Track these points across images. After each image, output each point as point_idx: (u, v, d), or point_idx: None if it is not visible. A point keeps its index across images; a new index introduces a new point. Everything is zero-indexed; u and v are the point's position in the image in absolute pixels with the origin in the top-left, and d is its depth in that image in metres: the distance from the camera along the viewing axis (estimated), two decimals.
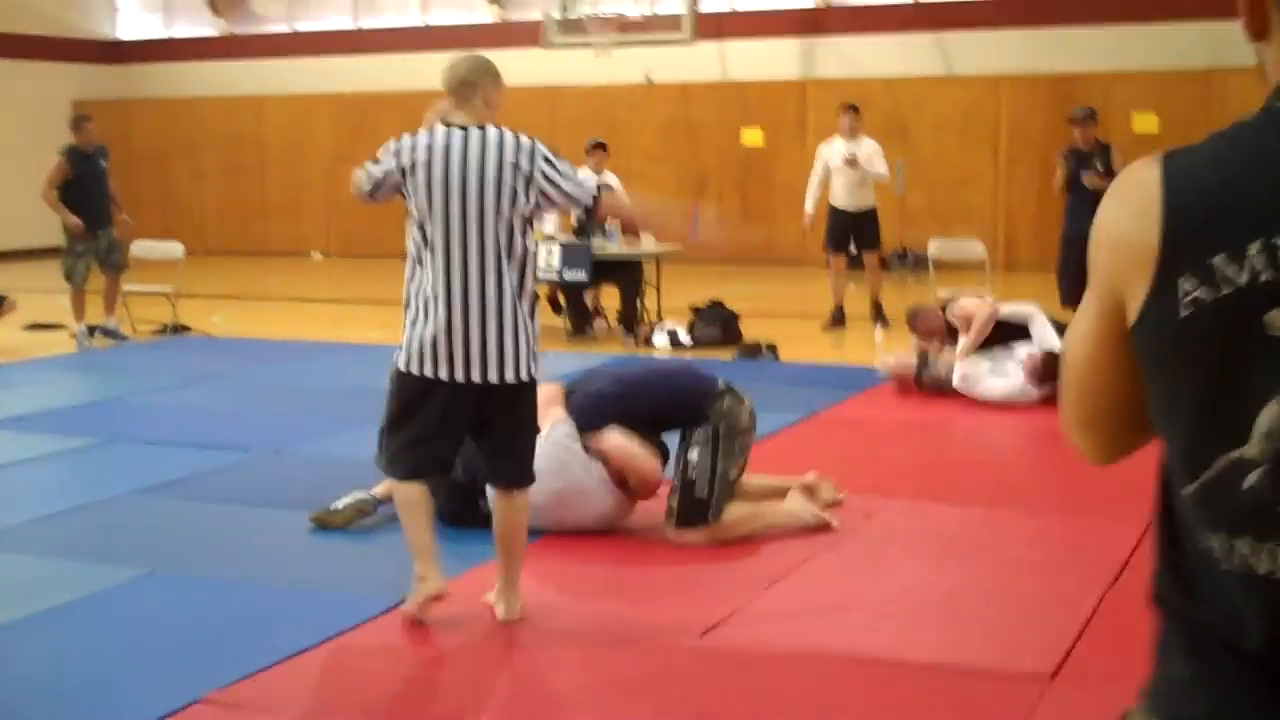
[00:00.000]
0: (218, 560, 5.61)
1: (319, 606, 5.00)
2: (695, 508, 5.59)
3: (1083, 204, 10.76)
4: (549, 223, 12.60)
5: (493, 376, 4.58)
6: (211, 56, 21.97)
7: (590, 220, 11.70)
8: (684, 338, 11.38)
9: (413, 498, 4.73)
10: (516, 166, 4.59)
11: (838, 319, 12.58)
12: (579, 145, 17.23)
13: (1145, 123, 16.51)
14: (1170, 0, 17.13)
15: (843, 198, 12.50)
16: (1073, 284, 10.82)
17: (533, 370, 4.68)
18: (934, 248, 12.23)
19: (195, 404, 9.10)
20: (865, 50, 18.38)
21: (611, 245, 11.88)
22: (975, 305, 8.62)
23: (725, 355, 10.83)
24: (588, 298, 12.41)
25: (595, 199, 4.92)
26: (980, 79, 18.01)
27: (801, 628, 4.71)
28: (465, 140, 4.58)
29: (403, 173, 4.60)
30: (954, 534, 5.80)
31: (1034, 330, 8.49)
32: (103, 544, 5.87)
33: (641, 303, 12.08)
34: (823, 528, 5.75)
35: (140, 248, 13.20)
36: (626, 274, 11.88)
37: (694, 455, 5.62)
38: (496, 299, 4.55)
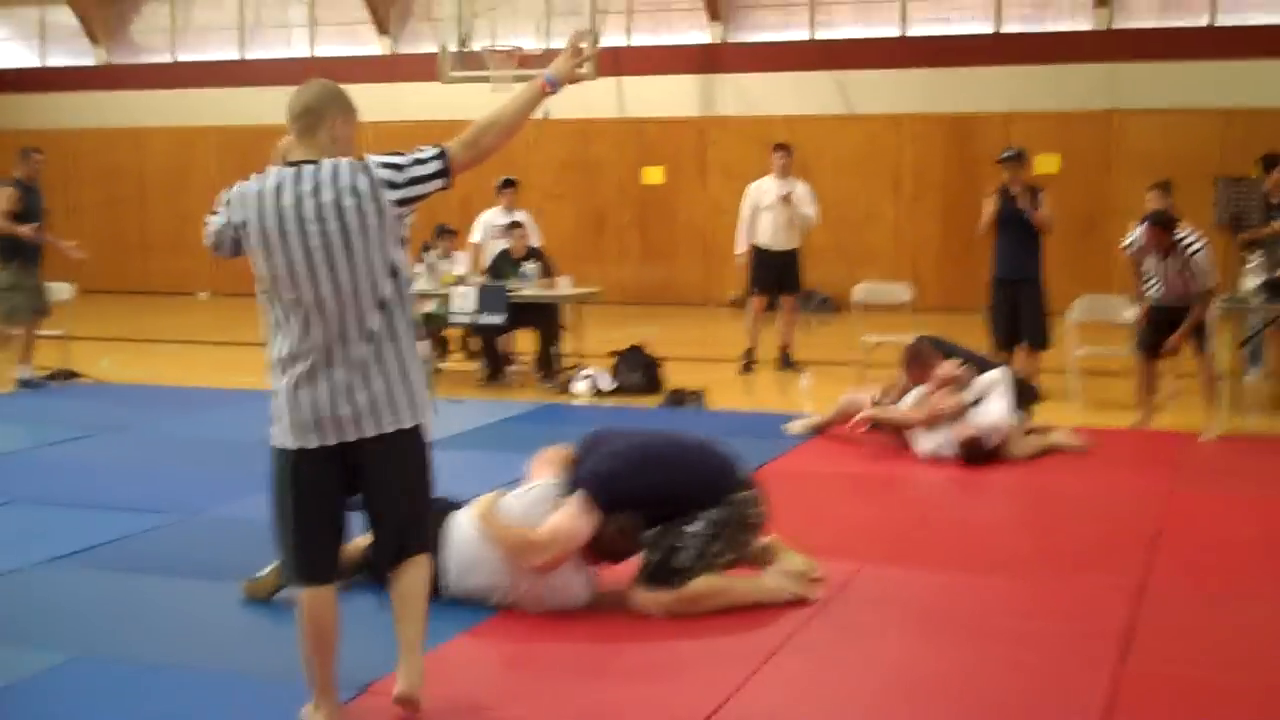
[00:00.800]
0: (147, 642, 5.11)
1: (263, 697, 4.54)
2: (669, 572, 5.23)
3: (1014, 244, 10.59)
4: (459, 264, 12.18)
5: (368, 428, 4.01)
6: (89, 87, 21.20)
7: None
8: (605, 384, 11.01)
9: (318, 614, 4.14)
10: (356, 191, 3.94)
11: (749, 363, 12.31)
12: (474, 181, 16.88)
13: (1047, 163, 16.50)
14: (1070, 42, 17.25)
15: (769, 238, 12.25)
16: (1006, 327, 10.63)
17: (417, 415, 4.10)
18: (860, 291, 12.00)
19: (99, 460, 8.53)
20: (765, 88, 18.24)
21: (527, 288, 11.48)
22: (951, 375, 8.32)
23: (650, 403, 10.49)
24: (500, 342, 11.98)
25: (448, 160, 4.05)
26: (880, 118, 17.96)
27: (806, 718, 4.36)
28: (297, 178, 3.95)
29: (236, 229, 4.02)
30: (936, 604, 5.49)
31: (985, 403, 8.20)
32: (15, 624, 5.33)
33: (558, 347, 11.69)
34: (799, 601, 5.41)
35: None
36: (543, 317, 11.49)
37: (692, 528, 5.26)
38: (364, 337, 3.98)
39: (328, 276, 3.92)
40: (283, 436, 4.07)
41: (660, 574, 5.24)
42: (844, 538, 6.53)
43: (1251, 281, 10.05)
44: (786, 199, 12.06)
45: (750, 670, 4.71)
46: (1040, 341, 10.58)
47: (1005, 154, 10.76)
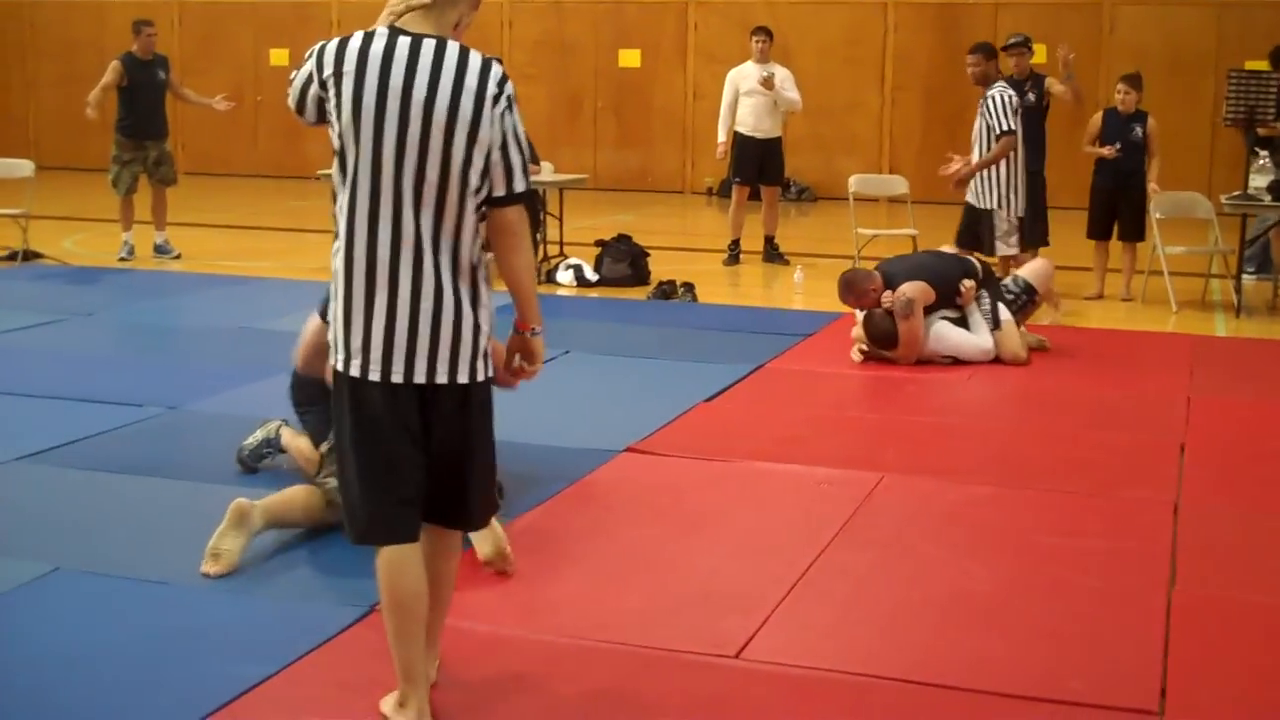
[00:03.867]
0: (131, 551, 4.76)
1: (266, 616, 4.23)
2: None
3: (1024, 140, 10.24)
4: None
5: (440, 375, 3.36)
6: None
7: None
8: (589, 274, 10.64)
9: (405, 583, 3.43)
10: (480, 98, 3.28)
11: (735, 255, 11.96)
12: None
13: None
14: None
15: (751, 124, 11.83)
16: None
17: (485, 369, 3.44)
18: (854, 183, 11.63)
19: (66, 347, 8.12)
20: None
21: None
22: (906, 295, 7.76)
23: (637, 295, 10.14)
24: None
25: (511, 196, 3.37)
26: (866, 3, 17.48)
27: (848, 641, 4.08)
28: (414, 50, 3.29)
29: (324, 85, 3.34)
30: (969, 518, 5.22)
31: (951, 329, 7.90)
32: None
33: (543, 235, 11.29)
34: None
35: None
36: (525, 204, 11.05)
37: None
38: (434, 269, 3.29)
39: (414, 170, 3.27)
40: (341, 360, 3.44)
41: None
42: (859, 444, 6.26)
43: (1260, 181, 9.79)
44: (768, 82, 11.64)
45: (784, 591, 4.43)
46: (1037, 239, 10.26)
47: (1011, 40, 10.40)
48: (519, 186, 3.36)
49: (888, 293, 7.76)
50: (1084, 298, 10.19)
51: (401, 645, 3.45)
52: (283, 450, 5.57)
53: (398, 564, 3.42)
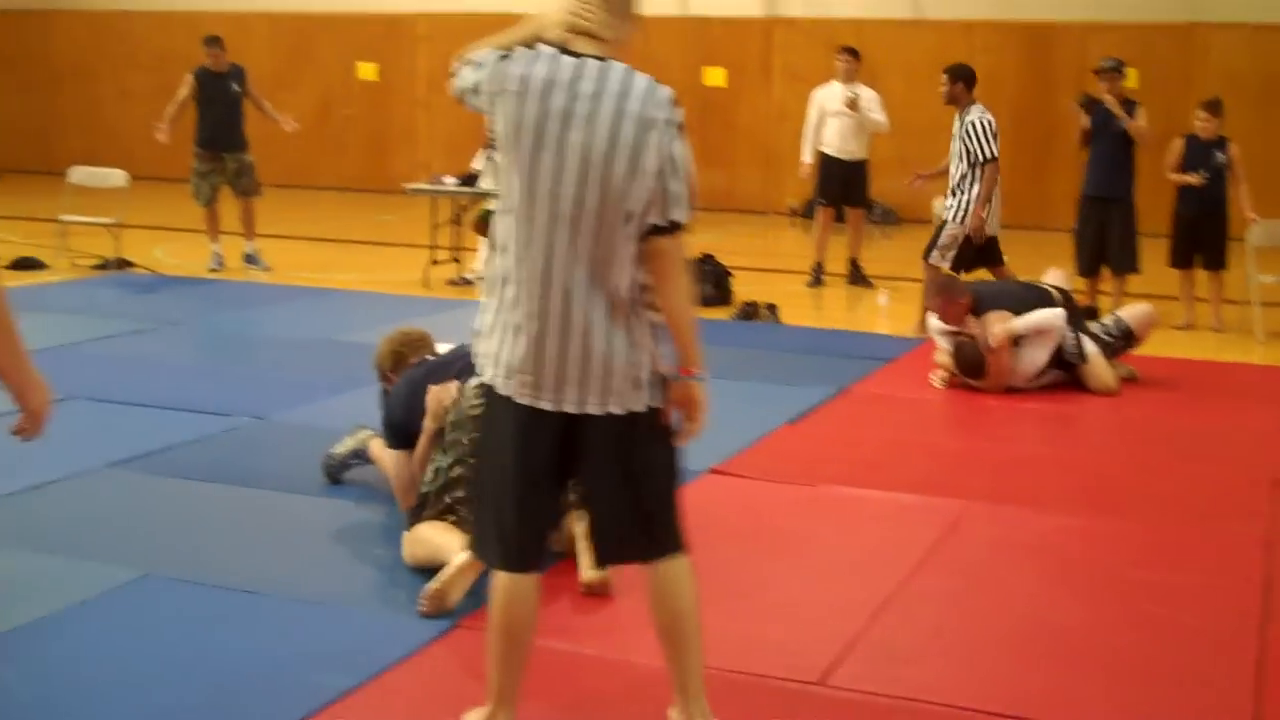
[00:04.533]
0: (220, 559, 4.83)
1: (353, 627, 4.26)
2: None
3: (1106, 161, 10.16)
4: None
5: (591, 405, 3.25)
6: None
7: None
8: None
9: (517, 611, 3.38)
10: (643, 123, 3.16)
11: (818, 277, 11.91)
12: None
13: None
14: None
15: (837, 145, 11.80)
16: (1090, 251, 10.24)
17: (648, 399, 3.32)
18: (938, 205, 11.53)
19: (156, 356, 8.25)
20: None
21: None
22: (999, 335, 7.62)
23: (721, 315, 10.13)
24: None
25: (672, 225, 3.23)
26: (952, 24, 17.37)
27: (931, 670, 4.05)
28: (578, 71, 3.19)
29: (489, 101, 3.24)
30: (1055, 548, 5.16)
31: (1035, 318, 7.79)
32: (82, 534, 5.06)
33: None
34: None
35: (79, 175, 12.30)
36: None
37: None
38: (588, 298, 3.18)
39: (572, 198, 3.16)
40: (491, 376, 3.34)
41: None
42: (942, 471, 6.21)
43: None
44: (853, 103, 11.61)
45: (869, 615, 4.40)
46: (1127, 265, 10.17)
47: (1104, 64, 10.29)
48: (678, 216, 3.22)
49: (991, 329, 7.64)
50: (1173, 327, 10.05)
51: (501, 668, 3.42)
52: (370, 461, 5.61)
53: (513, 591, 3.36)
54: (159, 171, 18.82)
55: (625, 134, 3.16)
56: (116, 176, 12.18)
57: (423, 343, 5.48)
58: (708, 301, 10.50)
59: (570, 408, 3.23)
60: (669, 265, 3.25)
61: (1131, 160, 10.22)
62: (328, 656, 4.01)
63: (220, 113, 11.85)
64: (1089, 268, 10.28)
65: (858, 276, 11.91)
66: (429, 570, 4.51)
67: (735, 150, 18.22)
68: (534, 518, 3.34)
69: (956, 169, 9.53)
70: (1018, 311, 7.73)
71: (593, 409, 3.24)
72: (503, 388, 3.26)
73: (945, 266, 9.46)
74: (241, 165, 11.92)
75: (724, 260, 11.06)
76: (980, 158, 9.36)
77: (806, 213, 17.32)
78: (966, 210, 9.43)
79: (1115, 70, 10.18)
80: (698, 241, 12.38)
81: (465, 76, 3.32)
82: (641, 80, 3.22)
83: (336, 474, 5.68)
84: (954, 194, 9.51)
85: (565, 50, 3.23)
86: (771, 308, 10.08)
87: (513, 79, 3.20)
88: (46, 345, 7.86)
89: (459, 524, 4.60)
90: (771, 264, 13.04)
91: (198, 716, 3.63)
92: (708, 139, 18.31)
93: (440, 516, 4.67)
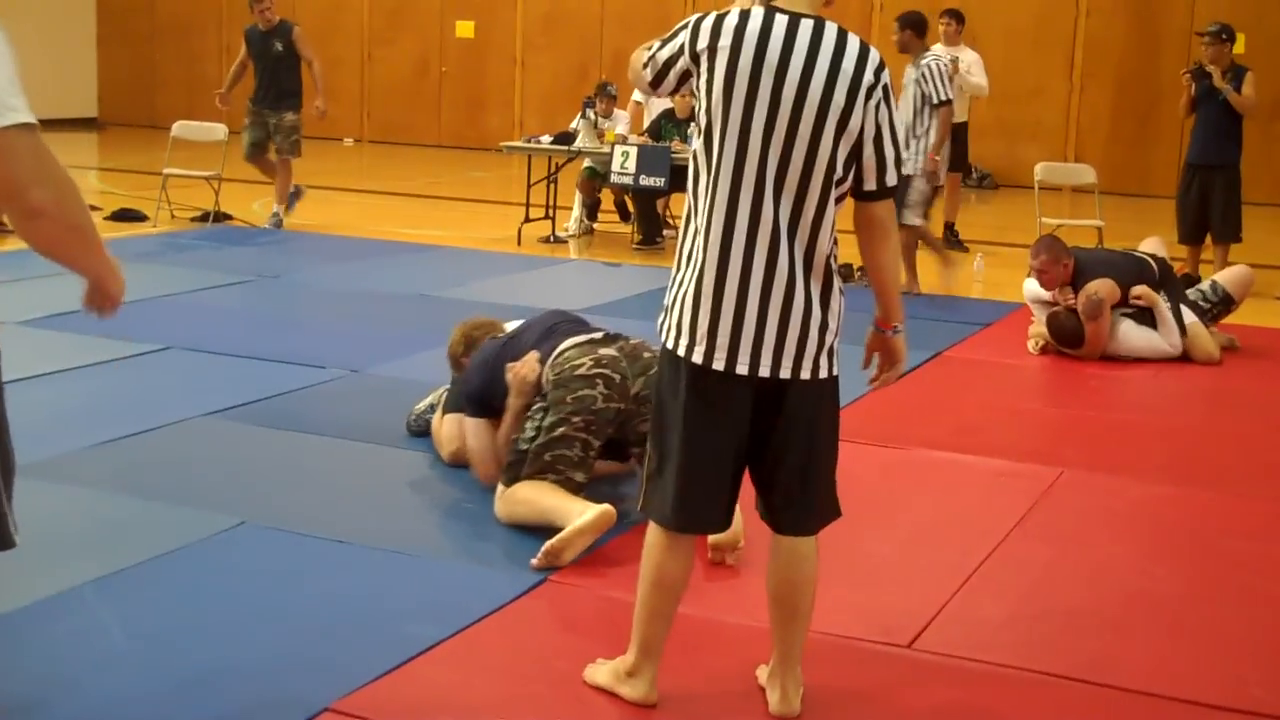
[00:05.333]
0: (315, 509, 4.88)
1: (443, 580, 4.29)
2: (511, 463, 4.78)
3: (1210, 128, 9.95)
4: (620, 123, 11.77)
5: (785, 370, 3.24)
6: None
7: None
8: None
9: (665, 568, 3.40)
10: (855, 86, 3.15)
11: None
12: (630, 38, 16.41)
13: None
14: None
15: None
16: (1192, 218, 10.05)
17: (832, 367, 3.32)
18: (1040, 171, 11.38)
19: (253, 307, 8.38)
20: None
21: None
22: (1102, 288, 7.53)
23: None
24: (659, 206, 11.61)
25: (872, 191, 3.27)
26: None
27: (1023, 637, 4.00)
28: (791, 30, 3.15)
29: (695, 59, 3.21)
30: (1151, 518, 5.09)
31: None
32: (181, 482, 5.13)
33: None
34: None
35: (180, 128, 12.46)
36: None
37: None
38: (789, 260, 3.17)
39: (779, 154, 3.15)
40: (676, 341, 3.30)
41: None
42: (1037, 436, 6.15)
43: None
44: (954, 66, 11.44)
45: (959, 582, 4.37)
46: (1229, 234, 9.97)
47: (1209, 29, 10.07)
48: (890, 181, 3.25)
49: (1079, 294, 7.54)
50: (1275, 297, 9.85)
51: (649, 622, 3.43)
52: None
53: (673, 546, 3.38)
54: None
55: (838, 94, 3.14)
56: (217, 130, 12.31)
57: (492, 327, 5.52)
58: None
59: (764, 372, 3.22)
60: (880, 228, 3.31)
61: (1238, 128, 10.00)
62: (418, 607, 4.05)
63: (264, 70, 11.70)
64: (1191, 235, 10.09)
65: (953, 241, 11.77)
66: (523, 527, 4.53)
67: None
68: (720, 479, 3.33)
69: (916, 120, 9.30)
70: (1118, 280, 7.61)
71: (785, 373, 3.23)
72: (697, 357, 3.23)
73: (923, 223, 9.41)
74: (280, 123, 11.68)
75: None
76: (935, 99, 9.20)
77: None
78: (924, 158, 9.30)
79: (1218, 35, 9.94)
80: None
81: (655, 53, 3.31)
82: (855, 41, 3.20)
83: (416, 430, 5.72)
84: (909, 144, 9.30)
85: (779, 9, 3.19)
86: (865, 271, 9.97)
87: (726, 33, 3.16)
88: (146, 296, 8.02)
89: (562, 483, 4.62)
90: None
91: (291, 663, 3.68)
92: None
93: (540, 475, 4.66)
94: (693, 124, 3.31)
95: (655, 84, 3.36)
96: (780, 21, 3.16)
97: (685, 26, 3.25)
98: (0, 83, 2.46)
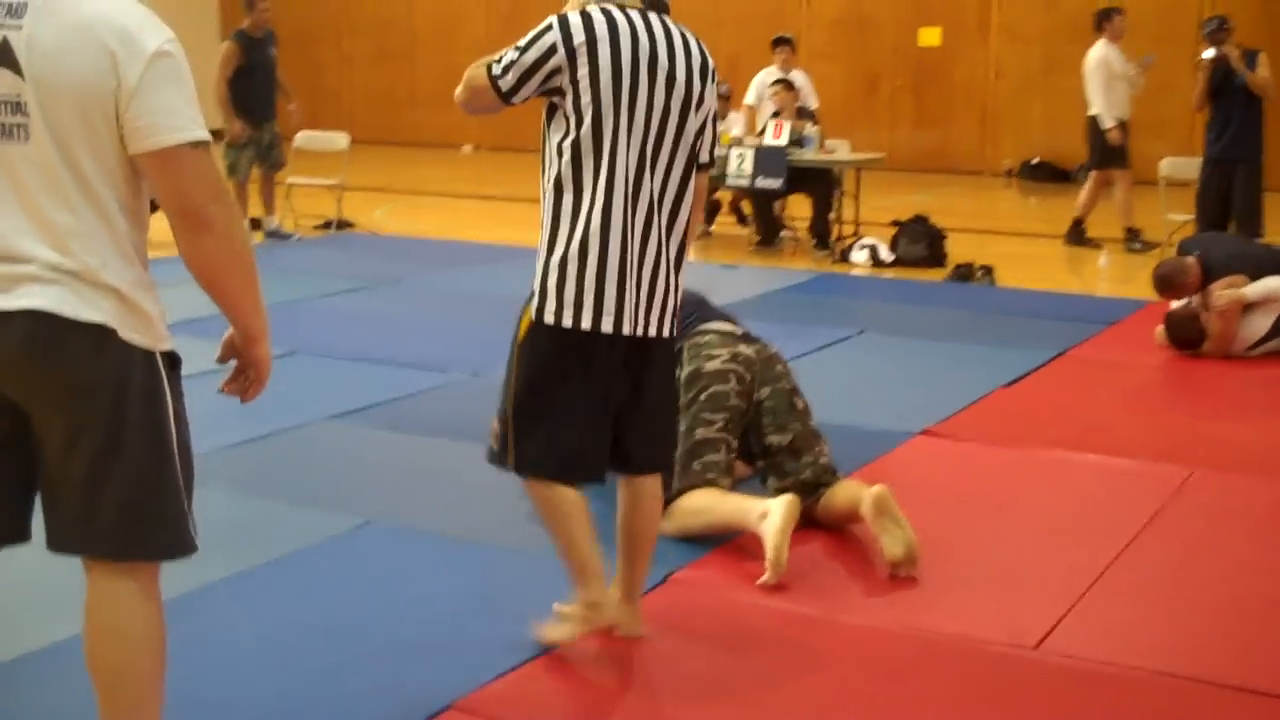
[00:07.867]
0: (437, 510, 4.94)
1: (565, 579, 4.28)
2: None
3: (1228, 120, 9.75)
4: (734, 125, 11.74)
5: (653, 328, 3.59)
6: None
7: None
8: (885, 254, 10.51)
9: (569, 501, 3.67)
10: (704, 72, 3.61)
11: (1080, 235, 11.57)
12: (745, 40, 16.34)
13: None
14: None
15: (1124, 109, 11.51)
16: (1212, 214, 9.79)
17: (674, 327, 3.71)
18: (1165, 166, 11.16)
19: (376, 312, 8.47)
20: None
21: (808, 152, 11.00)
22: (1227, 300, 7.25)
23: (934, 277, 9.96)
24: (776, 207, 11.57)
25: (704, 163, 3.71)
26: None
27: (1153, 639, 3.92)
28: (647, 25, 3.54)
29: (571, 54, 3.43)
30: None
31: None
32: (305, 483, 5.23)
33: (837, 214, 11.20)
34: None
35: (303, 138, 12.63)
36: (820, 183, 11.01)
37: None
38: (659, 230, 3.55)
39: (655, 135, 3.53)
40: (568, 315, 3.55)
41: None
42: (1165, 436, 6.00)
43: None
44: (1145, 70, 11.36)
45: (1087, 583, 4.28)
46: (1250, 230, 9.69)
47: (1208, 23, 9.93)
48: (716, 153, 3.80)
49: (1219, 291, 7.32)
50: None
51: (580, 546, 3.68)
52: None
53: (576, 496, 3.68)
54: (379, 135, 19.36)
55: (695, 78, 3.57)
56: (339, 140, 12.49)
57: None
58: (920, 262, 10.35)
59: (639, 331, 3.56)
60: (700, 196, 3.71)
61: (1258, 120, 9.78)
62: (540, 607, 4.05)
63: (260, 79, 11.10)
64: (1213, 228, 9.83)
65: (1083, 236, 11.58)
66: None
67: (951, 110, 17.86)
68: (604, 431, 3.64)
69: None
70: (1255, 277, 7.39)
71: (652, 331, 3.60)
72: (586, 323, 3.50)
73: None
74: (274, 137, 11.29)
75: (938, 222, 10.86)
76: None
77: (1023, 174, 16.95)
78: None
79: (1218, 29, 9.80)
80: (910, 203, 12.22)
81: (516, 61, 3.49)
82: (690, 34, 3.64)
83: None
84: None
85: (622, 7, 3.54)
86: (986, 269, 9.88)
87: (599, 26, 3.46)
88: (271, 302, 8.11)
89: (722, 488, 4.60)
90: (987, 225, 12.76)
91: (413, 660, 3.72)
92: (922, 99, 18.02)
93: (701, 484, 4.56)
94: (556, 113, 3.51)
95: (514, 92, 3.52)
96: (635, 16, 3.53)
97: (548, 28, 3.47)
98: (182, 100, 2.50)
